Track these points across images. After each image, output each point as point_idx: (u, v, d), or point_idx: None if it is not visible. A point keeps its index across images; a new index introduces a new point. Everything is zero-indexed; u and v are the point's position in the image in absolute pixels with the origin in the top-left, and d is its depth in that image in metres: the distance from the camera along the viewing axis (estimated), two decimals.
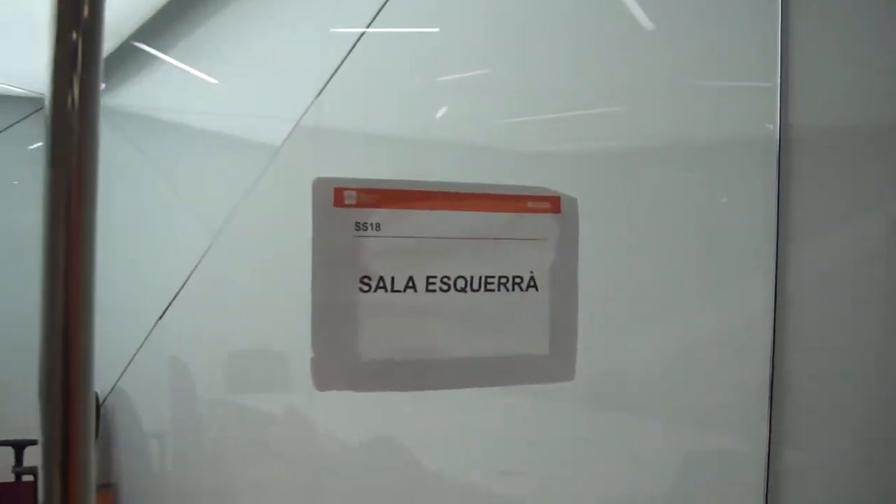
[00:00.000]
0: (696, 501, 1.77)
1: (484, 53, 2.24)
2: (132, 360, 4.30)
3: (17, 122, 5.88)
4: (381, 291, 1.32)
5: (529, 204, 1.44)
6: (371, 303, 1.32)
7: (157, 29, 4.18)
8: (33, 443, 4.95)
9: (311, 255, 1.23)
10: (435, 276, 1.35)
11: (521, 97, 2.10)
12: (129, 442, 4.46)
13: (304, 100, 2.71)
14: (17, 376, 5.85)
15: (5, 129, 5.87)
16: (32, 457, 4.87)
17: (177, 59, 4.08)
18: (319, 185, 1.30)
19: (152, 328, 3.98)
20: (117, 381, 4.52)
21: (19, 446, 4.87)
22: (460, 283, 1.38)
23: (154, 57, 4.30)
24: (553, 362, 1.45)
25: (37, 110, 5.84)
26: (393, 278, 1.32)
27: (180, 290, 3.68)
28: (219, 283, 3.45)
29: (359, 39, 2.40)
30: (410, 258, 1.34)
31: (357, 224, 1.30)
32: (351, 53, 2.49)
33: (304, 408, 2.87)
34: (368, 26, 2.39)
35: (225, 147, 3.53)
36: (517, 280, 1.41)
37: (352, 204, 1.30)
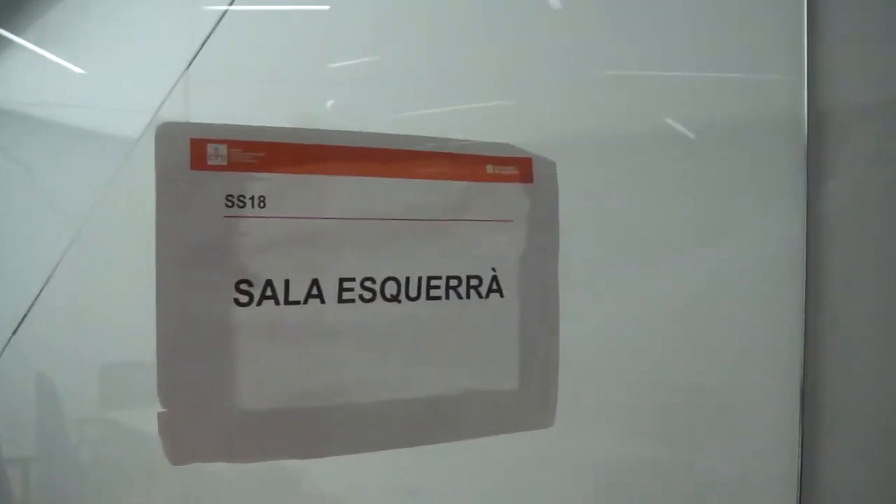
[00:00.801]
0: None
1: (381, 35, 1.99)
2: None
3: None
4: (268, 303, 0.89)
5: (490, 168, 0.99)
6: (254, 321, 0.89)
7: (6, 9, 3.89)
8: None
9: (155, 248, 0.84)
10: (353, 279, 0.92)
11: (421, 85, 1.88)
12: None
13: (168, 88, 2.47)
14: None
15: None
16: None
17: (32, 43, 3.79)
18: (167, 134, 0.86)
19: (8, 340, 3.67)
20: None
21: None
22: (390, 289, 0.93)
23: (6, 40, 4.00)
24: (525, 401, 1.03)
25: None
26: (287, 283, 0.89)
27: (38, 295, 3.38)
28: (83, 287, 3.19)
29: (222, 17, 2.14)
30: (316, 251, 0.90)
31: (229, 198, 0.87)
32: (225, 36, 2.22)
33: None
34: (231, 3, 2.12)
35: (85, 140, 3.28)
36: (473, 282, 0.97)
37: (220, 165, 0.86)
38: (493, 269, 0.99)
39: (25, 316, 3.47)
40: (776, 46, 1.54)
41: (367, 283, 0.91)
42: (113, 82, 3.07)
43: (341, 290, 0.91)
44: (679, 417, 1.73)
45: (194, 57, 2.26)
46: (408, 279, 0.93)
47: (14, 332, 3.59)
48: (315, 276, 0.91)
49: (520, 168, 1.00)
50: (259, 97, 2.23)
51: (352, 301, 0.91)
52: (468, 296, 0.97)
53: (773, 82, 1.56)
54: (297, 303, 0.90)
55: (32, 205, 3.72)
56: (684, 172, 1.66)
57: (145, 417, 2.83)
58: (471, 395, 0.99)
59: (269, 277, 0.89)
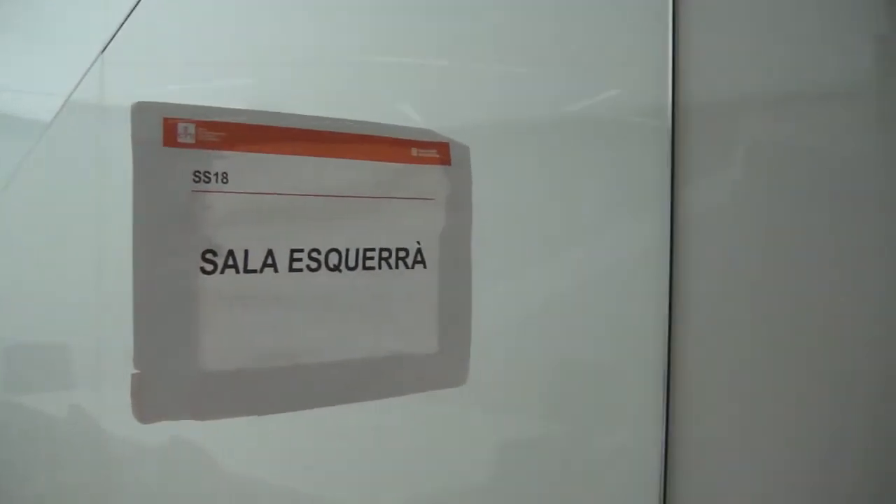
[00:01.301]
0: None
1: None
2: None
3: None
4: (230, 272, 0.99)
5: (415, 152, 1.13)
6: (218, 288, 0.98)
7: None
8: None
9: (132, 219, 0.91)
10: (301, 250, 1.04)
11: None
12: None
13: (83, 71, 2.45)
14: None
15: None
16: None
17: None
18: (142, 113, 0.93)
19: None
20: None
21: None
22: (333, 259, 1.05)
23: None
24: (443, 362, 1.16)
25: None
26: (246, 253, 1.00)
27: None
28: None
29: None
30: (271, 224, 1.00)
31: (196, 174, 0.96)
32: (143, 17, 2.23)
33: (91, 407, 2.66)
34: None
35: None
36: (401, 254, 1.11)
37: (189, 143, 0.96)
38: (418, 243, 1.12)
39: None
40: (642, 39, 1.62)
41: (314, 254, 1.02)
42: (25, 64, 3.03)
43: (292, 260, 1.02)
44: (562, 393, 1.85)
45: (111, 39, 2.25)
46: (347, 251, 1.05)
47: None
48: (270, 247, 1.01)
49: (440, 151, 1.13)
50: (180, 80, 2.22)
51: (300, 270, 1.02)
52: (397, 266, 1.09)
53: (637, 76, 1.64)
54: (255, 271, 1.00)
55: None
56: (564, 164, 1.76)
57: (49, 401, 2.81)
58: (399, 357, 1.11)
59: (231, 247, 0.98)
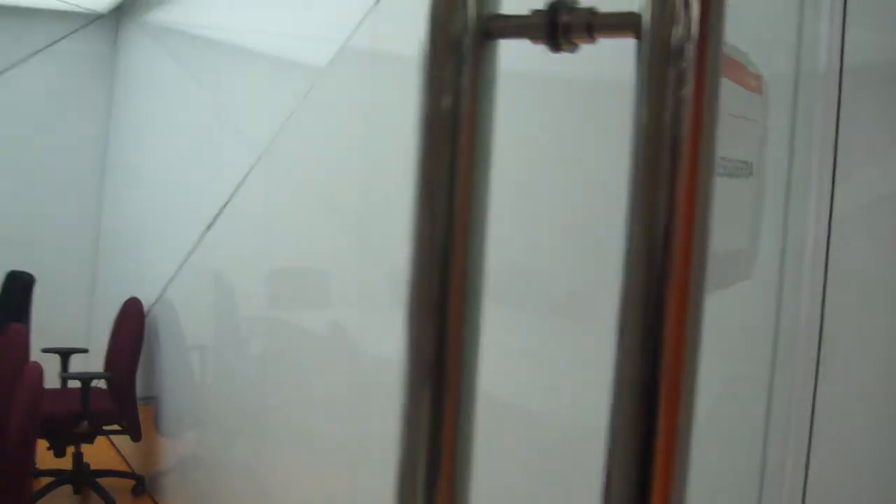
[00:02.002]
0: None
1: None
2: (177, 272, 4.41)
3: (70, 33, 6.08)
4: None
5: (747, 79, 1.19)
6: None
7: None
8: (79, 351, 5.13)
9: None
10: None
11: None
12: (171, 354, 4.59)
13: (355, 19, 2.68)
14: (68, 290, 6.11)
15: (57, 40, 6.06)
16: (77, 364, 5.05)
17: None
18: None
19: (198, 242, 4.08)
20: (162, 293, 4.64)
21: (65, 354, 5.03)
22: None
23: None
24: (749, 259, 1.25)
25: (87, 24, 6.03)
26: None
27: (224, 207, 3.76)
28: (262, 202, 3.52)
29: None
30: None
31: None
32: None
33: (344, 324, 2.90)
34: None
35: (270, 67, 3.56)
36: (743, 165, 1.18)
37: None
38: (750, 158, 1.21)
39: (212, 224, 3.90)
40: None
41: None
42: (304, 14, 3.24)
43: None
44: None
45: None
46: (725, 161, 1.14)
47: (201, 238, 3.99)
48: None
49: (756, 81, 1.19)
50: None
51: None
52: (740, 176, 1.18)
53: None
54: None
55: (220, 127, 4.11)
56: None
57: (307, 317, 3.14)
58: (734, 254, 1.21)
59: None
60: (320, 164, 3.02)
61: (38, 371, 3.03)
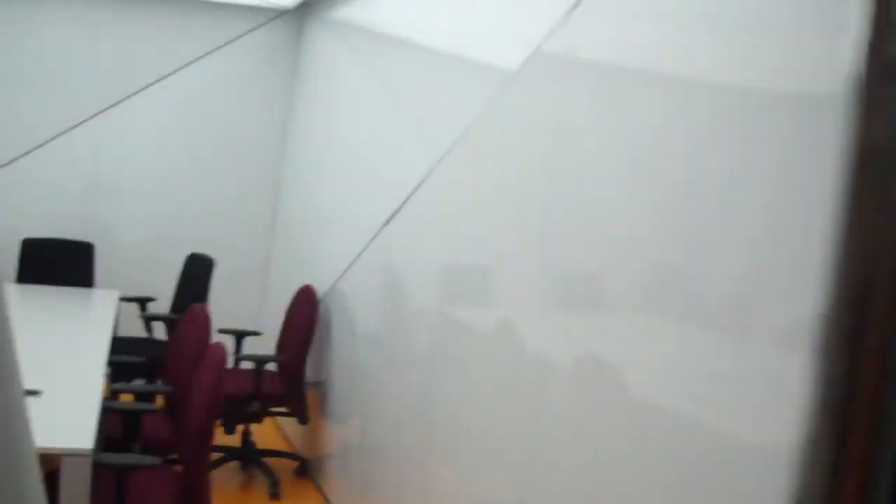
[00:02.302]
0: None
1: None
2: (352, 263, 4.52)
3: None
4: None
5: None
6: None
7: None
8: (253, 334, 5.34)
9: None
10: None
11: None
12: (340, 343, 4.73)
13: (549, 23, 2.64)
14: (244, 274, 6.38)
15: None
16: (250, 346, 5.26)
17: None
18: None
19: (374, 236, 4.16)
20: (336, 282, 4.79)
21: (240, 336, 5.24)
22: None
23: None
24: None
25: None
26: None
27: (402, 205, 3.82)
28: (439, 203, 3.58)
29: None
30: None
31: None
32: None
33: (512, 325, 2.89)
34: None
35: (456, 69, 3.59)
36: None
37: None
38: None
39: (390, 220, 3.98)
40: None
41: None
42: (496, 12, 3.23)
43: None
44: None
45: None
46: None
47: (382, 227, 4.07)
48: None
49: None
50: (642, 37, 2.26)
51: None
52: None
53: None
54: None
55: (400, 127, 4.18)
56: None
57: (476, 316, 3.15)
58: None
59: None
60: (503, 171, 3.02)
61: (222, 352, 3.17)
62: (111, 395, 3.92)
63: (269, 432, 5.53)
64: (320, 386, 4.92)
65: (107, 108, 6.30)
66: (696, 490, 1.91)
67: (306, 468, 5.08)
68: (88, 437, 2.82)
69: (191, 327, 4.05)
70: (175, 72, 6.38)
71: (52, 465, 2.66)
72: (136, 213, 6.48)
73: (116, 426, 3.54)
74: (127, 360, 4.45)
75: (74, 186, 6.36)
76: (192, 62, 6.39)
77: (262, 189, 6.58)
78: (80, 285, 5.76)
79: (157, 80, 6.36)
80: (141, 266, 6.39)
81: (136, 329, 5.70)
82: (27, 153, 6.17)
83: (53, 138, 6.22)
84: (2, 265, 5.95)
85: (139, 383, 4.66)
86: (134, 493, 3.09)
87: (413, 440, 3.57)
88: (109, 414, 3.44)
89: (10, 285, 5.48)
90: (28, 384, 3.45)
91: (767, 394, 1.71)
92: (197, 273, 5.63)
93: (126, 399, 4.22)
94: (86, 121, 6.28)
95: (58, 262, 5.81)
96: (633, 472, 2.11)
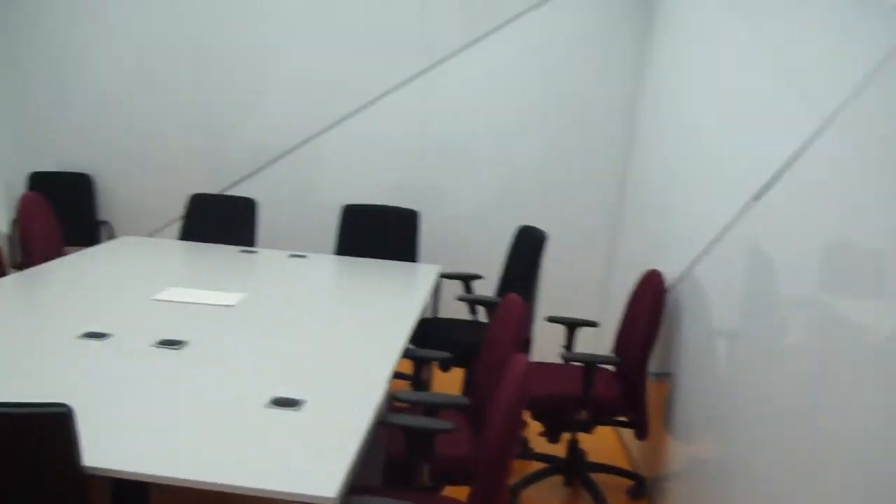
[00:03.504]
0: None
1: None
2: (710, 246, 3.73)
3: None
4: None
5: None
6: None
7: None
8: (589, 324, 4.62)
9: None
10: None
11: None
12: (692, 340, 3.90)
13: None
14: (582, 255, 5.69)
15: None
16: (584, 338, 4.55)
17: None
18: None
19: (739, 214, 3.38)
20: (689, 268, 3.98)
21: (572, 326, 4.55)
22: None
23: None
24: None
25: None
26: None
27: (778, 175, 3.01)
28: (824, 169, 2.74)
29: None
30: None
31: None
32: None
33: None
34: None
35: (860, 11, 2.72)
36: None
37: None
38: None
39: (762, 192, 3.15)
40: None
41: None
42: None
43: None
44: None
45: None
46: None
47: (750, 202, 3.32)
48: None
49: None
50: None
51: None
52: None
53: None
54: None
55: (780, 85, 3.33)
56: None
57: (863, 309, 2.35)
58: None
59: None
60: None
61: (524, 367, 2.45)
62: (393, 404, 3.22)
63: (602, 441, 4.78)
64: (668, 377, 4.12)
65: (435, 64, 5.87)
66: None
67: (643, 488, 4.29)
68: (332, 482, 2.12)
69: (504, 321, 3.40)
70: (508, 21, 5.78)
71: None
72: (464, 181, 6.00)
73: (400, 443, 2.94)
74: (427, 355, 3.76)
75: (400, 149, 5.99)
76: (529, 9, 5.77)
77: (608, 157, 5.84)
78: (403, 259, 5.31)
79: (494, 30, 5.80)
80: (467, 240, 5.92)
81: (459, 310, 5.22)
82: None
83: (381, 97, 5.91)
84: (322, 233, 5.71)
85: (428, 393, 3.60)
86: None
87: (783, 459, 2.74)
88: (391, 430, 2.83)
89: (327, 257, 5.18)
90: (291, 388, 2.78)
91: None
92: (526, 250, 4.97)
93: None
94: (413, 78, 5.91)
95: (378, 232, 5.41)
96: None
